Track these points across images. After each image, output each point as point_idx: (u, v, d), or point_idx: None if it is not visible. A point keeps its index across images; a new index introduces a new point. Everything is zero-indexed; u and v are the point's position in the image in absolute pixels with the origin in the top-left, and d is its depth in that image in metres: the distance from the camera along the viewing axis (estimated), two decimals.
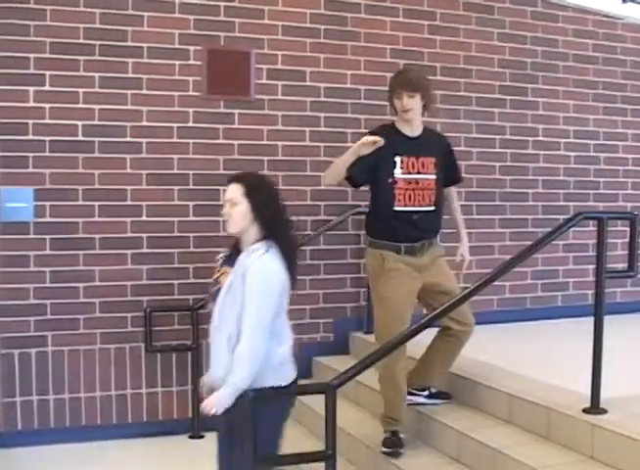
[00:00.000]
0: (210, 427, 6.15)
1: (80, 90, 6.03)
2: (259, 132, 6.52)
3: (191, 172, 6.33)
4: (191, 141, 6.33)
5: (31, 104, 5.92)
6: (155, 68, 6.22)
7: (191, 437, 6.21)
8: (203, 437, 6.18)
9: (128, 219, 6.21)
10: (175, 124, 6.28)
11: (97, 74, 6.06)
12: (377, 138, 4.50)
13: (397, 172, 4.81)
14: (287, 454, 4.12)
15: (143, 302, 6.22)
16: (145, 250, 6.24)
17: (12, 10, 5.84)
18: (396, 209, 4.82)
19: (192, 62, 6.31)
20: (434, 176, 4.91)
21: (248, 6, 6.42)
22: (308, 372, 6.51)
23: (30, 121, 5.93)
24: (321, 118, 6.67)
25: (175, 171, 6.29)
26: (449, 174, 5.07)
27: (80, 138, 6.05)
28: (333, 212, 6.67)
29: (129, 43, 6.13)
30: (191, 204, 6.32)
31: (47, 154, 5.97)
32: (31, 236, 5.98)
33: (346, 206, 6.67)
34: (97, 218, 6.12)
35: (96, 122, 6.08)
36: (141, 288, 6.22)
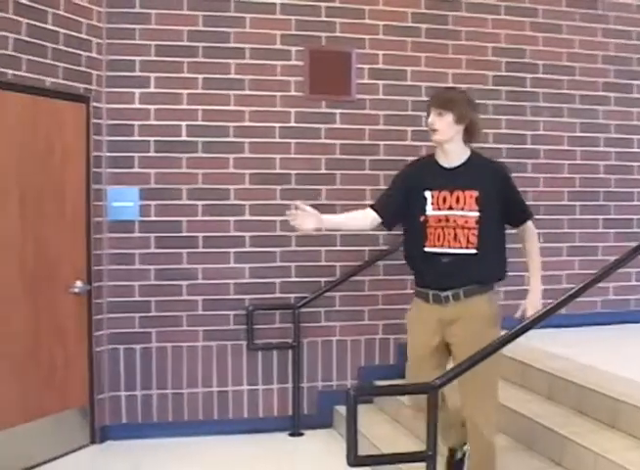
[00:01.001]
0: (310, 425, 6.14)
1: (184, 91, 5.90)
2: (361, 132, 6.26)
3: (293, 172, 6.11)
4: (293, 141, 6.12)
5: (137, 105, 5.83)
6: (257, 68, 6.03)
7: (291, 434, 6.01)
8: (302, 434, 5.99)
9: (231, 218, 6.04)
10: (277, 124, 6.08)
11: (200, 76, 5.92)
12: (294, 211, 3.95)
13: (429, 209, 3.99)
14: (387, 454, 3.98)
15: (245, 300, 6.03)
16: (247, 249, 6.05)
17: (119, 14, 5.76)
18: (426, 250, 3.99)
19: (293, 62, 6.10)
20: (474, 213, 3.93)
21: (348, 6, 6.17)
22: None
23: (136, 123, 5.84)
24: (422, 118, 6.35)
25: (277, 171, 6.10)
26: (508, 211, 4.04)
27: (184, 138, 5.92)
28: None
29: (232, 44, 5.96)
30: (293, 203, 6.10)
31: (152, 154, 5.87)
32: (137, 234, 5.88)
33: None
34: (200, 217, 5.97)
35: (199, 123, 5.94)
36: (243, 286, 6.04)
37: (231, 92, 6.00)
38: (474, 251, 3.93)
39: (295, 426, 6.03)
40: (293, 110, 6.12)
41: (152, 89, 5.84)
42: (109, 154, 5.79)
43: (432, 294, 4.01)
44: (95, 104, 5.71)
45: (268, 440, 5.90)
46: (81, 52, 5.57)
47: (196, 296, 5.97)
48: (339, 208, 5.74)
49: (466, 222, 3.93)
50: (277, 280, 6.13)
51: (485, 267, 3.97)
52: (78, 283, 5.62)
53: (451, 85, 4.48)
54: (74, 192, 5.60)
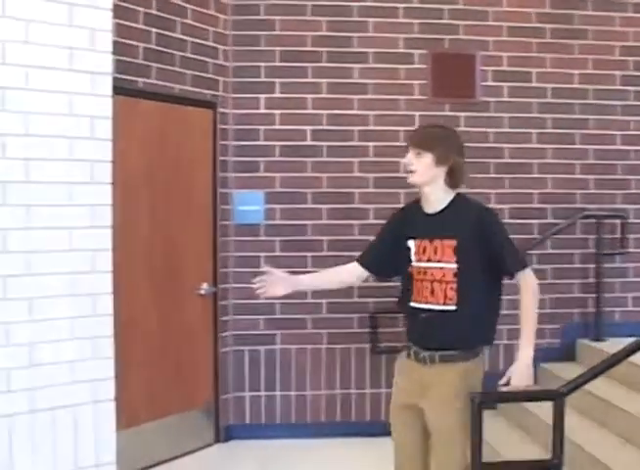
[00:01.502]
0: None
1: (308, 96, 5.86)
2: (485, 135, 6.05)
3: None
4: None
5: (262, 110, 5.82)
6: (380, 72, 5.92)
7: None
8: None
9: (355, 222, 5.94)
10: (401, 128, 5.91)
11: (324, 80, 5.86)
12: (262, 277, 3.65)
13: (413, 260, 3.51)
14: (511, 461, 3.79)
15: (369, 303, 5.91)
16: None
17: (244, 22, 5.78)
18: (410, 304, 3.51)
19: (417, 66, 5.95)
20: (452, 265, 3.36)
21: (471, 8, 5.98)
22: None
23: (262, 127, 5.83)
24: (548, 120, 6.13)
25: (401, 175, 5.91)
26: (495, 261, 3.38)
27: (309, 143, 5.87)
28: (560, 216, 6.07)
29: (355, 49, 5.88)
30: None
31: (277, 158, 5.85)
32: (262, 238, 5.86)
33: (574, 209, 6.06)
34: (324, 221, 5.90)
35: (324, 127, 5.88)
36: (367, 290, 5.88)
37: (355, 96, 5.91)
38: (452, 307, 3.37)
39: None
40: (417, 113, 5.97)
41: (277, 94, 5.82)
42: (235, 158, 5.81)
43: (413, 351, 3.51)
44: (222, 110, 5.74)
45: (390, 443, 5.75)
46: (208, 59, 5.61)
47: (320, 299, 5.87)
48: None
49: (443, 276, 3.38)
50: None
51: (466, 328, 3.38)
52: (205, 285, 5.64)
53: (440, 123, 3.68)
54: (201, 195, 5.64)
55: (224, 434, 5.83)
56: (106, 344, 3.92)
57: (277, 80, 5.83)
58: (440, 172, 3.42)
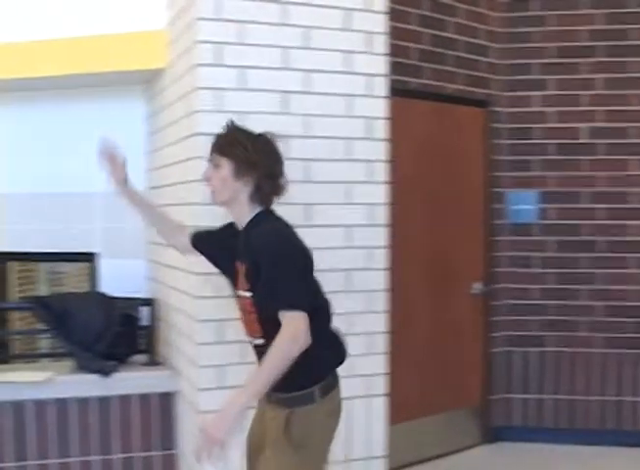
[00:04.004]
0: None
1: (584, 93, 5.60)
2: None
3: None
4: None
5: (536, 108, 5.63)
6: None
7: None
8: None
9: (631, 222, 5.62)
10: None
11: (600, 76, 5.57)
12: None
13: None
14: None
15: None
16: None
17: (517, 19, 5.62)
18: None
19: None
20: (248, 293, 2.79)
21: None
22: None
23: (535, 126, 5.64)
24: None
25: None
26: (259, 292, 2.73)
27: (584, 141, 5.61)
28: None
29: (633, 42, 5.54)
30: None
31: (551, 157, 5.63)
32: (536, 238, 5.67)
33: None
34: (600, 221, 5.62)
35: (600, 125, 5.59)
36: None
37: (633, 91, 5.57)
38: (260, 341, 2.81)
39: None
40: None
41: (550, 91, 5.61)
42: (508, 157, 5.67)
43: None
44: (494, 108, 5.63)
45: None
46: (480, 58, 5.52)
47: (594, 301, 5.61)
48: None
49: (245, 305, 2.84)
50: None
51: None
52: (477, 284, 5.56)
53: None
54: (473, 195, 5.57)
55: (491, 435, 5.71)
56: (380, 340, 3.96)
57: (551, 77, 5.62)
58: (243, 187, 2.78)
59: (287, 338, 2.54)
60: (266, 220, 2.79)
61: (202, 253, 3.14)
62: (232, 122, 2.91)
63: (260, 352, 2.77)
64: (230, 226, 2.95)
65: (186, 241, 3.21)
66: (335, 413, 2.87)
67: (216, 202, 2.86)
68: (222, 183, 2.78)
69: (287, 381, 2.61)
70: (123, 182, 3.24)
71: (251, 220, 2.80)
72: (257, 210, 2.81)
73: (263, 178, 2.77)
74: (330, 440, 2.86)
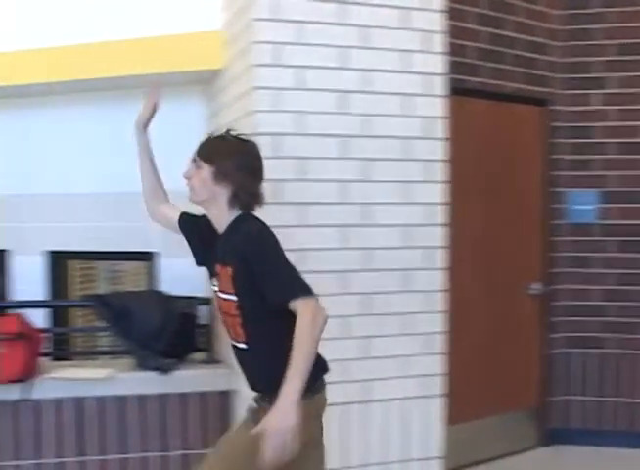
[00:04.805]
0: None
1: None
2: None
3: None
4: None
5: (596, 107, 5.53)
6: None
7: None
8: None
9: None
10: None
11: None
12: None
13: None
14: None
15: None
16: None
17: (577, 15, 5.53)
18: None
19: None
20: (232, 297, 2.79)
21: None
22: None
23: (595, 124, 5.54)
24: None
25: None
26: (262, 290, 2.70)
27: None
28: None
29: None
30: None
31: (612, 156, 5.52)
32: (596, 238, 5.57)
33: None
34: None
35: None
36: None
37: None
38: (243, 345, 2.83)
39: None
40: None
41: (611, 90, 5.51)
42: (568, 156, 5.58)
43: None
44: (553, 107, 5.56)
45: None
46: (539, 56, 5.45)
47: None
48: None
49: (229, 309, 2.83)
50: None
51: (263, 370, 2.81)
52: (535, 285, 5.50)
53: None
54: (531, 194, 5.50)
55: (549, 437, 5.62)
56: (438, 340, 3.93)
57: (612, 75, 5.51)
58: (221, 190, 2.83)
59: (308, 321, 2.58)
60: (247, 222, 2.82)
61: (185, 236, 3.16)
62: (227, 131, 2.95)
63: (242, 355, 2.86)
64: (210, 224, 2.95)
65: (170, 214, 3.23)
66: (315, 417, 2.82)
67: (193, 200, 2.92)
68: (201, 184, 2.84)
69: (269, 380, 2.67)
70: (143, 126, 3.27)
71: (231, 224, 2.84)
72: (236, 213, 2.85)
73: (240, 184, 2.82)
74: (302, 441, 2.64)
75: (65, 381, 3.89)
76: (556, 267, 5.59)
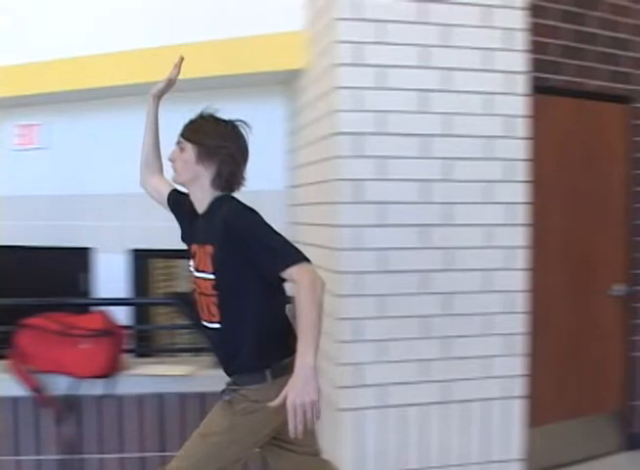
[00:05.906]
0: None
1: None
2: None
3: None
4: None
5: None
6: None
7: None
8: None
9: None
10: None
11: None
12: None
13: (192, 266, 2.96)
14: None
15: None
16: None
17: None
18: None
19: None
20: (210, 276, 2.80)
21: None
22: None
23: None
24: None
25: None
26: (257, 266, 2.71)
27: None
28: None
29: None
30: None
31: None
32: None
33: None
34: None
35: None
36: None
37: None
38: (216, 325, 2.84)
39: None
40: None
41: None
42: None
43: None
44: (637, 104, 5.43)
45: None
46: (623, 52, 5.33)
47: None
48: None
49: (205, 288, 2.83)
50: None
51: (234, 352, 2.82)
52: (618, 286, 5.38)
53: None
54: (615, 194, 5.38)
55: (632, 442, 5.50)
56: (519, 341, 3.89)
57: None
58: (204, 171, 2.86)
59: (307, 288, 2.58)
60: (227, 202, 2.85)
61: (173, 213, 3.19)
62: (207, 112, 2.95)
63: (214, 336, 2.87)
64: (192, 204, 2.97)
65: (161, 189, 3.26)
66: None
67: (177, 181, 2.98)
68: (184, 165, 2.87)
69: (241, 362, 2.78)
70: (157, 97, 3.28)
71: (211, 204, 2.87)
72: (217, 194, 2.88)
73: (223, 164, 2.83)
74: (266, 427, 2.83)
75: (147, 377, 3.96)
76: (639, 269, 5.46)
